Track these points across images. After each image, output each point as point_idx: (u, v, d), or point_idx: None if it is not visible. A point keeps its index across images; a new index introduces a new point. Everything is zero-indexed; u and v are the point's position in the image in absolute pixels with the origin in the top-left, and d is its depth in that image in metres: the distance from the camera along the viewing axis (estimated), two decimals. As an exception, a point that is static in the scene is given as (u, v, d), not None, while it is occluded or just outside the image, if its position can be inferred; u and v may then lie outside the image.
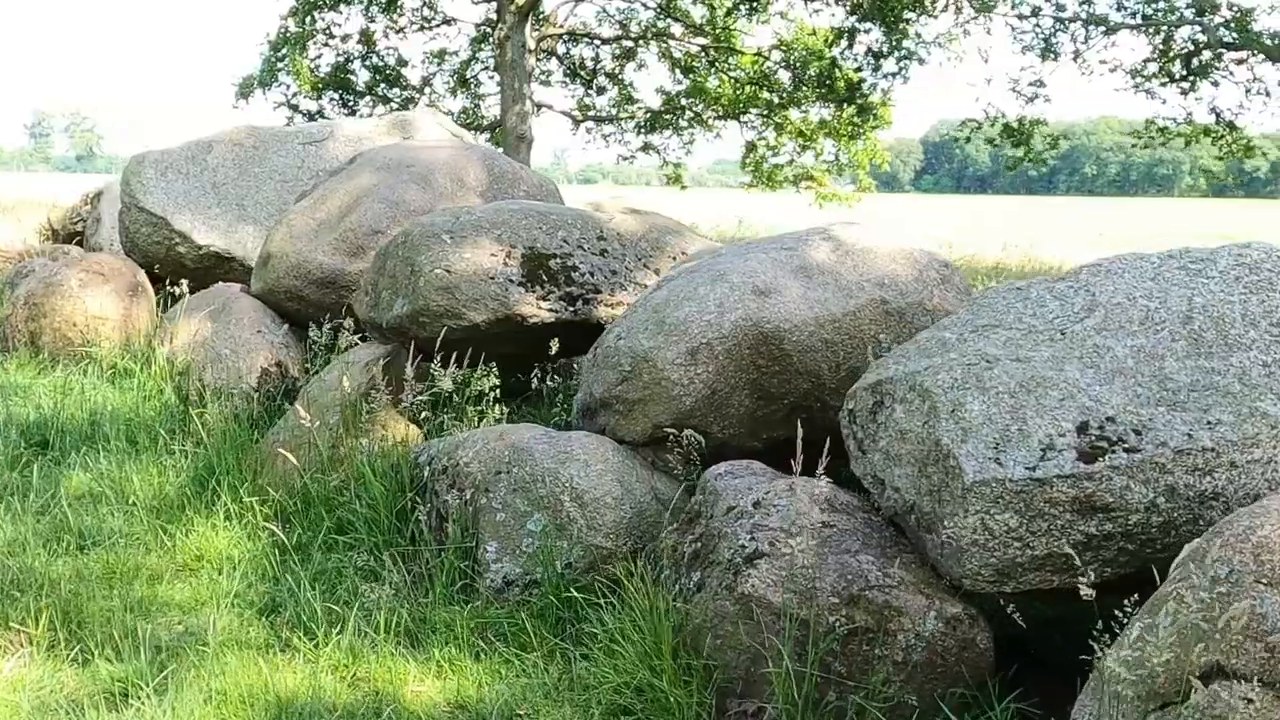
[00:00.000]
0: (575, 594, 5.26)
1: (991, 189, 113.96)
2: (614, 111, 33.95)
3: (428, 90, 33.82)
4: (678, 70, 32.80)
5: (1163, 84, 21.41)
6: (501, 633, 5.28)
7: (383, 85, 32.82)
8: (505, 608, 5.44)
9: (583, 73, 33.41)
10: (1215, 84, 20.99)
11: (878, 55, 26.75)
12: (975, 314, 5.06)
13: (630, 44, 32.12)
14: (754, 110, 32.24)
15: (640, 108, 32.72)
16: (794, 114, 31.92)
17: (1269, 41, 17.74)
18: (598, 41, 32.61)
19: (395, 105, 32.80)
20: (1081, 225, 48.09)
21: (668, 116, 32.47)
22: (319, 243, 9.07)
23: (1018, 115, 22.04)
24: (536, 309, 7.48)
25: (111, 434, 8.01)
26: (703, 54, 31.33)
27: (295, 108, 32.19)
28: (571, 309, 7.60)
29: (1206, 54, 19.37)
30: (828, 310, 6.10)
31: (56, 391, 8.91)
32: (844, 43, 27.14)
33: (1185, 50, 20.05)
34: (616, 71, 33.46)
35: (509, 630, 5.27)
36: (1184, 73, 20.22)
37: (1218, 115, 21.55)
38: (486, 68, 33.40)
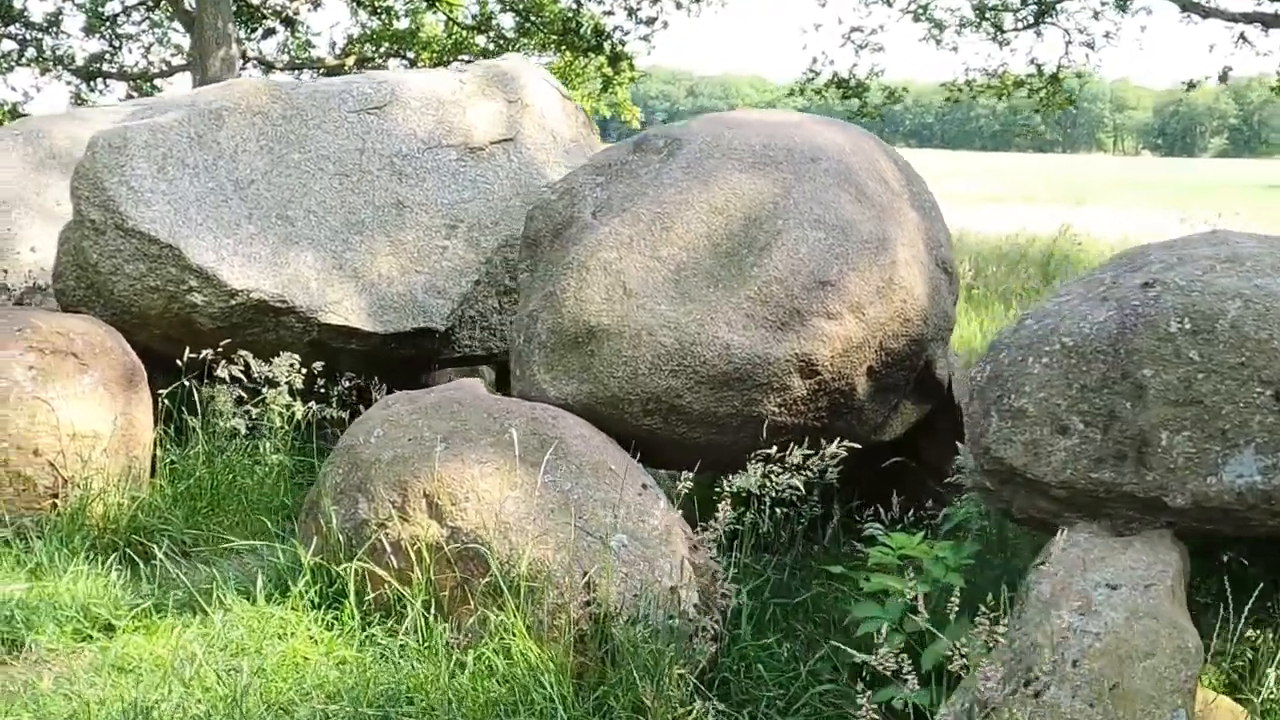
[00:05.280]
0: None
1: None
2: (293, 58, 28.12)
3: (55, 31, 26.44)
4: (362, 10, 27.59)
5: (989, 37, 19.42)
6: None
7: (-8, 21, 25.09)
8: None
9: (253, 11, 27.25)
10: (1039, 34, 19.26)
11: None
12: None
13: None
14: (464, 57, 27.54)
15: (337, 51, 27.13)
16: (508, 62, 27.50)
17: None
18: (266, -29, 26.62)
19: (15, 46, 25.54)
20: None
21: (374, 62, 27.06)
22: (710, 307, 4.62)
23: (851, 66, 19.30)
24: None
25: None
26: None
27: None
28: None
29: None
30: None
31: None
32: (591, -16, 23.29)
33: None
34: (293, 13, 27.59)
35: None
36: (1032, 20, 18.24)
37: (1039, 68, 19.85)
38: (129, 5, 26.58)
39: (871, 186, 5.04)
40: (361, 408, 5.89)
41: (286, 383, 5.95)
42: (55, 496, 5.61)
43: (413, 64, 26.61)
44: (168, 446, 6.12)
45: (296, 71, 26.38)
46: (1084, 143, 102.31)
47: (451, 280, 6.64)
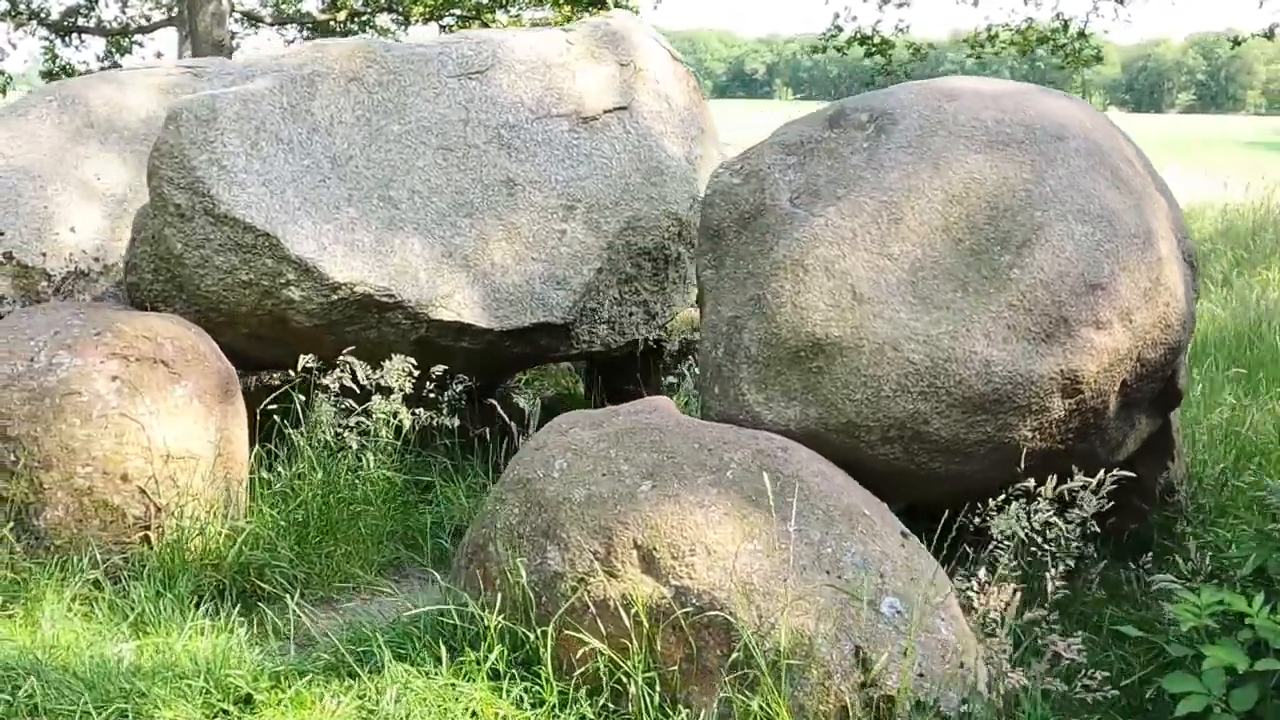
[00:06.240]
0: None
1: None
2: (279, 11, 26.89)
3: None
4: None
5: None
6: None
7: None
8: None
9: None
10: (1068, -11, 18.47)
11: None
12: None
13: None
14: (456, 12, 26.32)
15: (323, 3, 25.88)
16: (501, 15, 26.43)
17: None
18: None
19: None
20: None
21: (363, 16, 25.81)
22: (963, 316, 3.87)
23: (875, 22, 18.48)
24: None
25: None
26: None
27: None
28: None
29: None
30: None
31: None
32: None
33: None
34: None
35: None
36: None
37: (1066, 23, 19.08)
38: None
39: (1124, 169, 4.27)
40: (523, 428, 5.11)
41: (399, 389, 5.15)
42: (147, 529, 4.80)
43: (406, 19, 25.46)
44: (265, 464, 5.30)
45: (281, 27, 25.25)
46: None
47: (572, 268, 5.84)
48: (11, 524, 4.64)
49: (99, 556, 4.64)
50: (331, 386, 5.10)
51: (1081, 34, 19.09)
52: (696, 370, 5.88)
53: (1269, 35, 15.81)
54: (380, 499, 5.27)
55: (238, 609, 4.39)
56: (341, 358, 5.05)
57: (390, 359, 5.19)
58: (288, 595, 4.43)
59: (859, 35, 18.72)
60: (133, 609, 4.43)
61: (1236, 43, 16.60)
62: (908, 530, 3.69)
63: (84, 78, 8.07)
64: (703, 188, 6.29)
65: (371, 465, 5.24)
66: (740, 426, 4.05)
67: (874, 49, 18.73)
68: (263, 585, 4.73)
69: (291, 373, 5.22)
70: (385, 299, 5.39)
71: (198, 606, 4.52)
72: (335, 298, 5.31)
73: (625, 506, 3.75)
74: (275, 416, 5.28)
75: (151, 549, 4.76)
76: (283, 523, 4.99)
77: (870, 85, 20.17)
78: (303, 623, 4.34)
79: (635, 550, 3.67)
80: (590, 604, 3.67)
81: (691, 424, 4.00)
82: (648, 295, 6.18)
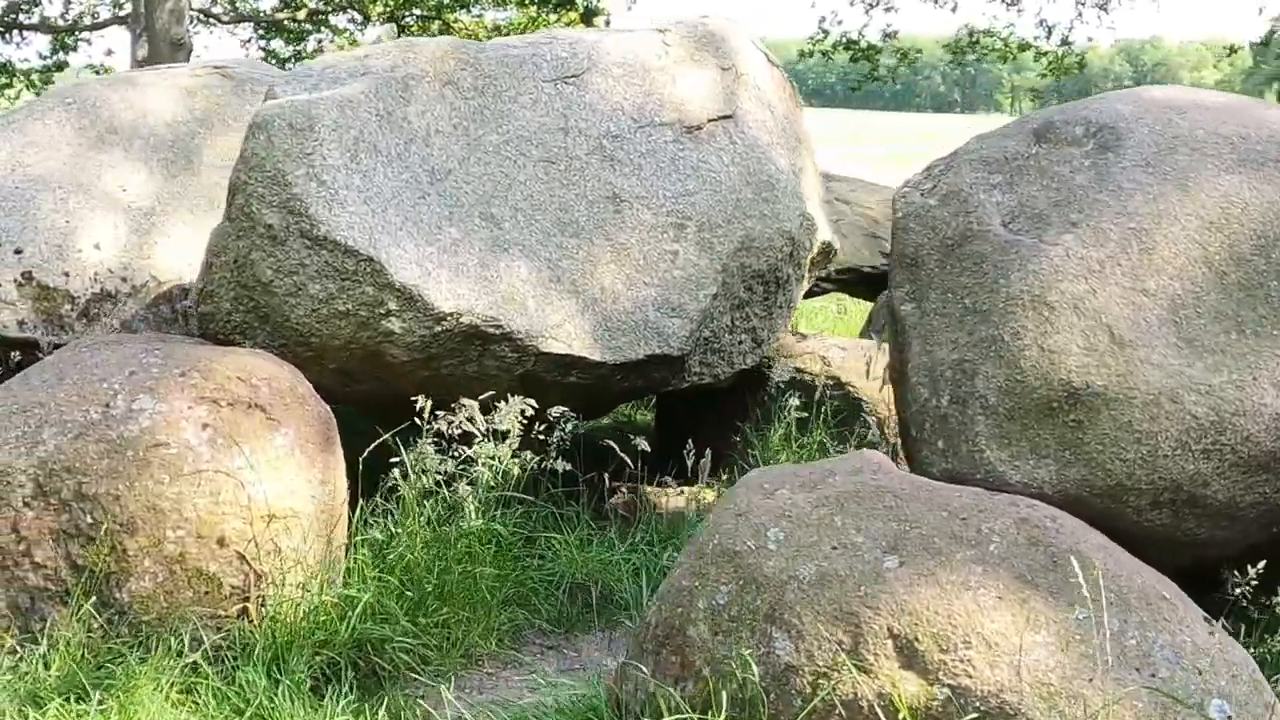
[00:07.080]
0: None
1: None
2: (234, 9, 25.83)
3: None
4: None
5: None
6: None
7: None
8: None
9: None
10: (1052, -5, 18.21)
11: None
12: None
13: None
14: (416, 11, 25.47)
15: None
16: (463, 16, 25.63)
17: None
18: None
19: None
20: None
21: (320, 16, 24.83)
22: (1245, 362, 3.40)
23: (861, 26, 18.14)
24: None
25: None
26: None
27: None
28: None
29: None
30: None
31: None
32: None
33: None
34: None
35: None
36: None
37: (1049, 30, 18.89)
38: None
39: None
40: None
41: (517, 433, 4.55)
42: (246, 600, 4.14)
43: (366, 18, 24.55)
44: (365, 519, 4.65)
45: (235, 25, 24.25)
46: (982, 103, 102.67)
47: (687, 294, 5.26)
48: (93, 598, 3.94)
49: (202, 634, 3.96)
50: (446, 430, 4.47)
51: (1065, 41, 18.90)
52: (792, 407, 5.34)
53: (1265, 42, 15.63)
54: (491, 557, 4.65)
55: (382, 703, 3.74)
56: (463, 400, 4.42)
57: (508, 399, 4.58)
58: (417, 674, 3.80)
59: (845, 40, 18.32)
60: (245, 699, 3.77)
61: (1231, 50, 16.46)
62: (1209, 615, 3.16)
63: (103, 78, 7.32)
64: (808, 203, 5.75)
65: (475, 517, 4.62)
66: (979, 488, 3.49)
67: (860, 54, 18.33)
68: (382, 663, 4.09)
69: (389, 413, 4.58)
70: (492, 330, 4.78)
71: (315, 692, 3.87)
72: (439, 329, 4.68)
73: (871, 587, 3.18)
74: (368, 463, 4.63)
75: (252, 623, 4.09)
76: (407, 592, 4.34)
77: (856, 90, 19.82)
78: (455, 712, 3.70)
79: (890, 640, 3.11)
80: (838, 704, 3.10)
81: (931, 487, 3.44)
82: (757, 322, 5.62)
